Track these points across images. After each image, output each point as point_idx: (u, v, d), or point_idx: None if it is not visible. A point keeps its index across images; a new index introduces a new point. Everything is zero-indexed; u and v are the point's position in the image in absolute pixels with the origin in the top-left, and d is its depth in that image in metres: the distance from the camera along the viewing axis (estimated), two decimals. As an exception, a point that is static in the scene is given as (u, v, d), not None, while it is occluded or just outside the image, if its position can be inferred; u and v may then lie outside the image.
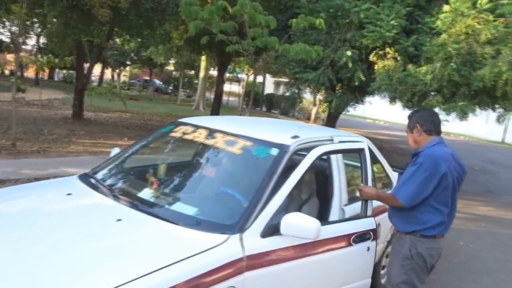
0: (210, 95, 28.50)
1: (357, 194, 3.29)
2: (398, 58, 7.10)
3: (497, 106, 8.29)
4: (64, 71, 33.97)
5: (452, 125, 10.47)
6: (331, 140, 2.91)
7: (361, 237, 2.64)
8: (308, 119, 23.02)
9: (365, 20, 7.31)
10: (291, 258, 2.20)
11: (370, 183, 2.93)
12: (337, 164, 2.86)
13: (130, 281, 1.63)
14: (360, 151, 3.06)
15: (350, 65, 7.46)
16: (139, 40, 12.14)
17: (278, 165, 2.39)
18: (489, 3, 6.10)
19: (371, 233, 2.71)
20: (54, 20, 7.68)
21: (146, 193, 2.46)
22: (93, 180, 2.65)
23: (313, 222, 2.09)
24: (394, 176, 3.68)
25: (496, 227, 6.45)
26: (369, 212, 2.77)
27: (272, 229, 2.13)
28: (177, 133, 2.90)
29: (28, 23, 25.58)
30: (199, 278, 1.80)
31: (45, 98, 16.39)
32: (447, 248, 5.00)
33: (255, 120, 3.72)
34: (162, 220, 2.12)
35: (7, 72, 33.42)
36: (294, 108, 27.11)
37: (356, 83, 7.63)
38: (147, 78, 37.35)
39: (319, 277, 2.46)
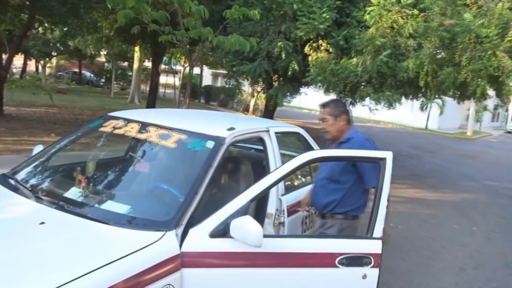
0: (146, 88, 27.58)
1: (295, 183, 3.37)
2: (331, 50, 7.34)
3: (419, 95, 8.90)
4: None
5: (381, 114, 11.08)
6: (267, 131, 2.93)
7: (354, 260, 2.13)
8: (247, 110, 23.15)
9: (298, 13, 7.44)
10: (242, 265, 2.01)
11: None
12: (273, 153, 2.89)
13: (60, 285, 1.51)
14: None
15: (283, 56, 7.57)
16: (65, 29, 11.34)
17: (214, 158, 2.35)
18: (409, -1, 6.50)
19: (372, 258, 2.14)
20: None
21: (73, 193, 2.30)
22: (12, 181, 2.43)
23: (256, 228, 1.87)
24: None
25: (422, 207, 6.96)
26: (375, 233, 2.17)
27: (224, 231, 1.97)
28: (107, 127, 2.74)
29: None
30: (134, 278, 1.72)
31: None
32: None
33: (190, 112, 3.65)
34: (92, 220, 2.00)
35: None
36: (233, 100, 27.14)
37: (291, 74, 7.78)
38: (76, 70, 35.25)
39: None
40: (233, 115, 3.96)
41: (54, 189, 2.39)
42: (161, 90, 23.07)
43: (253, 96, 22.51)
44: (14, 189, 2.31)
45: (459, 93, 8.38)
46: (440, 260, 4.67)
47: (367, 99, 8.69)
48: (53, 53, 28.81)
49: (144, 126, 2.64)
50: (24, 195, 2.23)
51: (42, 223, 1.93)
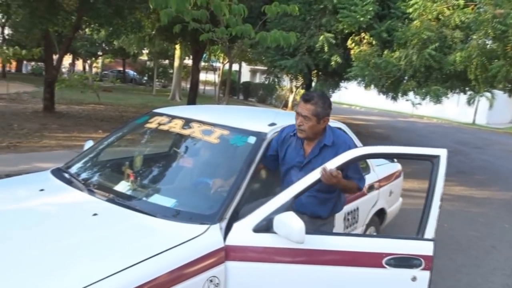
0: (186, 85, 28.15)
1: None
2: (373, 43, 7.18)
3: (467, 89, 8.51)
4: (33, 63, 32.87)
5: (424, 108, 10.71)
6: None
7: (403, 261, 2.05)
8: (286, 106, 23.07)
9: (339, 6, 7.32)
10: (286, 260, 2.01)
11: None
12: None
13: (110, 275, 1.59)
14: None
15: (326, 49, 7.48)
16: (109, 29, 11.80)
17: (256, 154, 2.38)
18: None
19: (422, 260, 2.05)
20: (19, 10, 7.33)
21: (123, 186, 2.41)
22: (66, 175, 2.57)
23: (298, 224, 1.87)
24: (371, 160, 3.72)
25: (469, 206, 6.67)
26: (427, 234, 2.08)
27: (267, 226, 1.99)
28: (152, 124, 2.85)
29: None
30: (180, 270, 1.78)
31: (14, 92, 15.82)
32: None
33: (232, 108, 3.70)
34: (140, 212, 2.09)
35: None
36: (272, 96, 27.14)
37: (333, 67, 7.67)
38: (121, 68, 36.55)
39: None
40: (274, 110, 3.98)
41: (104, 182, 2.50)
42: (201, 87, 23.46)
43: (292, 91, 22.40)
44: (69, 182, 2.44)
45: (510, 85, 7.93)
46: (490, 260, 4.47)
47: (410, 94, 8.42)
48: (98, 53, 30.08)
49: (187, 122, 2.71)
50: (77, 188, 2.36)
51: (95, 214, 2.03)
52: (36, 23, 7.54)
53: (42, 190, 2.33)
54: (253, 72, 39.55)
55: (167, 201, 2.20)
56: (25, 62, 33.76)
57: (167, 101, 21.18)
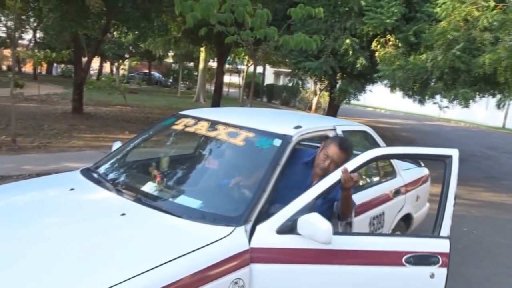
0: (210, 87, 28.41)
1: (362, 183, 3.30)
2: (399, 45, 7.06)
3: (496, 92, 8.25)
4: (62, 66, 33.88)
5: (451, 111, 10.45)
6: (334, 129, 2.90)
7: (422, 259, 2.12)
8: (309, 109, 22.96)
9: (365, 8, 7.24)
10: (310, 261, 2.03)
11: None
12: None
13: (137, 275, 1.62)
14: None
15: (350, 53, 7.42)
16: (136, 32, 12.05)
17: (281, 156, 2.38)
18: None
19: (439, 257, 2.12)
20: (50, 14, 7.60)
21: (150, 187, 2.45)
22: (95, 175, 2.63)
23: (325, 225, 1.89)
24: (397, 164, 3.67)
25: (498, 212, 6.47)
26: (442, 232, 2.16)
27: (290, 227, 2.01)
28: (179, 125, 2.89)
29: (23, 17, 25.44)
30: (205, 271, 1.79)
31: (44, 93, 16.34)
32: (451, 233, 5.03)
33: (257, 111, 3.71)
34: (166, 213, 2.12)
35: (4, 67, 33.34)
36: (295, 98, 27.07)
37: (359, 69, 7.59)
38: (146, 71, 37.23)
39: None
40: (300, 113, 3.96)
41: (132, 183, 2.56)
42: (224, 89, 23.61)
43: (315, 94, 22.27)
44: (97, 182, 2.50)
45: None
46: (521, 269, 4.32)
47: (437, 97, 8.23)
48: (125, 56, 30.74)
49: (213, 124, 2.74)
50: (106, 188, 2.41)
51: (123, 214, 2.08)
52: (66, 26, 7.80)
53: (72, 189, 2.39)
54: (277, 75, 39.58)
55: (193, 203, 2.23)
56: (55, 64, 34.88)
57: (192, 103, 21.43)
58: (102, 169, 2.74)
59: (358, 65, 7.67)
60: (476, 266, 4.19)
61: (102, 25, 9.10)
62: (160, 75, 36.85)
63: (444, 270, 2.13)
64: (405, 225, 3.78)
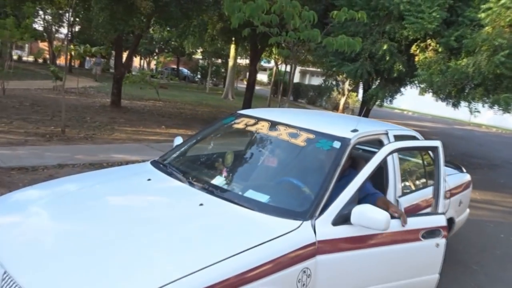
0: (236, 84, 28.69)
1: (410, 184, 3.43)
2: (440, 50, 7.07)
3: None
4: (94, 59, 34.83)
5: (483, 116, 10.30)
6: (386, 133, 3.05)
7: (431, 233, 2.64)
8: (336, 109, 22.93)
9: (405, 12, 7.28)
10: (361, 247, 2.32)
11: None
12: (392, 157, 3.00)
13: (223, 259, 1.81)
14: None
15: (388, 58, 7.48)
16: (174, 30, 12.38)
17: (341, 157, 2.54)
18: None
19: (441, 230, 2.70)
20: (101, 12, 7.98)
21: (219, 180, 2.66)
22: (165, 167, 2.86)
23: (383, 214, 2.18)
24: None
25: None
26: (440, 209, 2.76)
27: (342, 218, 2.25)
28: (240, 124, 3.09)
29: (61, 11, 26.33)
30: (280, 259, 1.98)
31: (81, 86, 16.94)
32: (488, 240, 5.09)
33: (312, 113, 3.88)
34: (239, 205, 2.31)
35: (40, 60, 34.54)
36: (322, 98, 27.05)
37: (395, 75, 7.64)
38: (174, 66, 37.88)
39: (386, 268, 2.53)
40: (353, 117, 4.11)
41: (201, 176, 2.76)
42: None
43: (343, 94, 22.23)
44: (169, 174, 2.72)
45: None
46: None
47: (474, 101, 8.18)
48: (156, 51, 31.37)
49: (273, 124, 2.93)
50: (179, 179, 2.63)
51: (201, 204, 2.29)
52: (115, 25, 8.17)
53: (149, 179, 2.63)
54: (303, 73, 39.53)
55: (261, 197, 2.41)
56: (87, 58, 35.89)
57: (220, 99, 21.75)
58: (170, 162, 2.97)
59: (395, 70, 7.71)
60: (503, 268, 4.25)
61: (144, 22, 9.43)
62: (188, 71, 37.42)
63: (444, 240, 2.71)
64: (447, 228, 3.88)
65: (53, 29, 30.04)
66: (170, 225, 2.09)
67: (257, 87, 33.64)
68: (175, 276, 1.67)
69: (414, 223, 2.57)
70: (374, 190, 2.79)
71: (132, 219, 2.13)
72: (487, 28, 6.34)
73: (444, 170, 2.82)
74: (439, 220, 2.72)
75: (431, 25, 6.94)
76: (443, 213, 2.77)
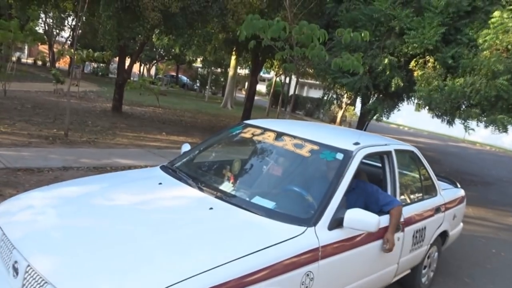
0: (235, 94, 28.91)
1: (405, 197, 3.57)
2: (438, 67, 7.28)
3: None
4: (94, 64, 34.98)
5: (477, 134, 10.49)
6: (388, 147, 3.21)
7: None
8: (333, 121, 23.15)
9: (406, 28, 7.51)
10: (350, 247, 2.53)
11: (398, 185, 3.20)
12: (392, 170, 3.15)
13: (232, 260, 1.93)
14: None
15: (387, 72, 7.67)
16: (176, 39, 12.57)
17: (344, 168, 2.69)
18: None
19: (401, 225, 3.02)
20: (108, 20, 8.16)
21: (227, 186, 2.79)
22: (175, 172, 2.98)
23: (374, 217, 2.41)
24: (438, 183, 3.93)
25: (527, 238, 6.57)
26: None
27: (336, 223, 2.43)
28: (247, 134, 3.24)
29: (63, 15, 26.52)
30: (285, 262, 2.11)
31: (81, 90, 17.03)
32: (479, 254, 5.23)
33: (316, 125, 4.05)
34: (247, 211, 2.44)
35: (39, 63, 34.66)
36: (319, 110, 27.29)
37: (393, 89, 7.83)
38: (173, 73, 38.09)
39: (368, 263, 2.78)
40: (356, 131, 4.26)
41: (210, 181, 2.89)
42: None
43: (340, 107, 22.48)
44: (179, 178, 2.85)
45: None
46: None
47: (469, 120, 8.37)
48: (156, 58, 31.60)
49: (279, 135, 3.08)
50: (188, 184, 2.75)
51: (211, 208, 2.42)
52: (121, 32, 8.34)
53: (160, 183, 2.76)
54: (301, 85, 39.81)
55: (267, 203, 2.55)
56: (87, 62, 36.04)
57: (219, 108, 21.91)
58: (179, 167, 3.09)
59: (393, 85, 7.91)
60: (505, 286, 4.38)
61: (150, 31, 9.62)
62: (188, 79, 37.65)
63: (402, 234, 3.06)
64: (441, 241, 4.02)
65: (54, 32, 30.21)
66: (181, 227, 2.21)
67: (255, 98, 33.97)
68: (183, 276, 1.76)
69: (384, 221, 2.77)
70: (392, 198, 3.04)
71: (143, 220, 2.24)
72: (485, 52, 6.54)
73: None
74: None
75: (430, 41, 7.15)
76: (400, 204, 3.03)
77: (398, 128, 30.60)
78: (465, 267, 4.68)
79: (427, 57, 7.43)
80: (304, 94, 36.48)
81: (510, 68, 6.19)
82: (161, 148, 8.03)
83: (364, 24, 8.15)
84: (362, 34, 5.74)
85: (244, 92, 31.14)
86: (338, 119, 22.60)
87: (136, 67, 39.24)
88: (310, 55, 5.75)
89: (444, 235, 4.01)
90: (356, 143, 2.92)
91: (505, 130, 6.98)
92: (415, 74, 7.36)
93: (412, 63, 7.67)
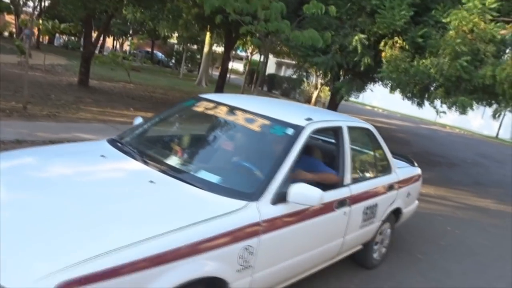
0: (211, 71, 28.51)
1: (360, 174, 3.59)
2: (406, 48, 7.31)
3: (493, 102, 8.55)
4: (65, 37, 33.76)
5: (448, 117, 10.74)
6: (341, 125, 3.19)
7: (341, 203, 2.98)
8: (308, 102, 23.19)
9: (377, 8, 7.47)
10: (294, 222, 2.52)
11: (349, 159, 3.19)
12: (344, 147, 3.15)
13: (171, 230, 1.90)
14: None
15: (359, 49, 7.65)
16: (146, 12, 12.15)
17: (293, 144, 2.65)
18: (495, 3, 6.30)
19: (347, 200, 3.04)
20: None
21: (173, 160, 2.72)
22: (121, 145, 2.89)
23: (317, 191, 2.42)
24: (394, 162, 3.96)
25: (483, 216, 6.81)
26: (345, 182, 3.09)
27: (280, 197, 2.40)
28: (199, 107, 3.15)
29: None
30: (224, 235, 2.08)
31: (48, 63, 16.41)
32: (435, 232, 5.38)
33: (271, 101, 3.97)
34: (190, 185, 2.38)
35: (6, 34, 33.15)
36: (295, 90, 27.28)
37: (362, 69, 7.84)
38: (149, 49, 37.15)
39: (313, 237, 2.81)
40: (310, 107, 4.24)
41: (156, 155, 2.81)
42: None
43: (316, 88, 22.51)
44: (124, 152, 2.76)
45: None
46: (497, 268, 4.66)
47: (436, 101, 8.51)
48: (130, 32, 30.65)
49: (231, 109, 3.01)
50: (133, 157, 2.66)
51: (151, 181, 2.35)
52: (84, 2, 7.95)
53: (103, 156, 2.66)
54: (279, 65, 39.62)
55: (212, 177, 2.49)
56: (57, 35, 34.68)
57: (194, 86, 21.57)
58: (127, 141, 2.99)
59: (363, 64, 7.91)
60: (456, 261, 4.53)
61: (117, 2, 9.23)
62: (163, 55, 36.80)
63: (349, 208, 3.08)
64: (394, 218, 4.09)
65: (21, 2, 28.76)
66: (118, 200, 2.13)
67: (232, 76, 33.58)
68: (102, 250, 1.69)
69: (329, 196, 2.80)
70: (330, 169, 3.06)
71: (76, 193, 2.16)
72: (451, 32, 6.59)
73: (347, 148, 3.15)
74: (345, 192, 3.04)
75: (399, 22, 7.16)
76: (348, 185, 3.09)
77: (373, 110, 31.03)
78: (419, 244, 4.81)
79: (396, 38, 7.45)
80: (282, 74, 36.31)
81: (473, 50, 6.26)
82: (126, 124, 7.83)
83: (336, 1, 8.07)
84: (330, 9, 5.67)
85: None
86: (313, 100, 22.65)
87: (109, 42, 38.16)
88: (271, 28, 5.65)
89: (397, 212, 4.08)
90: (309, 119, 2.89)
91: (464, 112, 7.12)
92: (383, 55, 7.37)
93: (381, 44, 7.67)
